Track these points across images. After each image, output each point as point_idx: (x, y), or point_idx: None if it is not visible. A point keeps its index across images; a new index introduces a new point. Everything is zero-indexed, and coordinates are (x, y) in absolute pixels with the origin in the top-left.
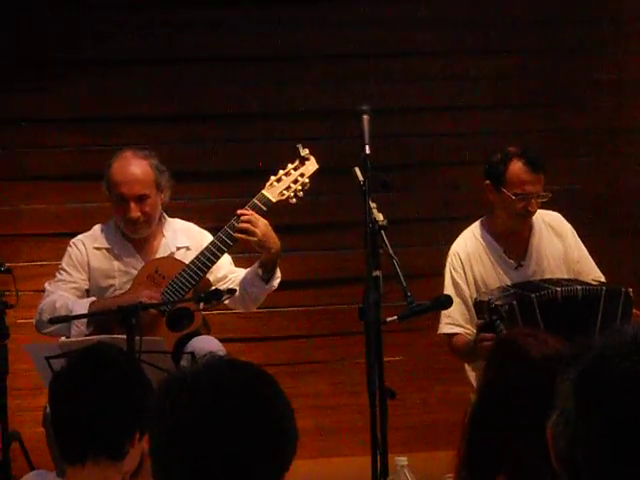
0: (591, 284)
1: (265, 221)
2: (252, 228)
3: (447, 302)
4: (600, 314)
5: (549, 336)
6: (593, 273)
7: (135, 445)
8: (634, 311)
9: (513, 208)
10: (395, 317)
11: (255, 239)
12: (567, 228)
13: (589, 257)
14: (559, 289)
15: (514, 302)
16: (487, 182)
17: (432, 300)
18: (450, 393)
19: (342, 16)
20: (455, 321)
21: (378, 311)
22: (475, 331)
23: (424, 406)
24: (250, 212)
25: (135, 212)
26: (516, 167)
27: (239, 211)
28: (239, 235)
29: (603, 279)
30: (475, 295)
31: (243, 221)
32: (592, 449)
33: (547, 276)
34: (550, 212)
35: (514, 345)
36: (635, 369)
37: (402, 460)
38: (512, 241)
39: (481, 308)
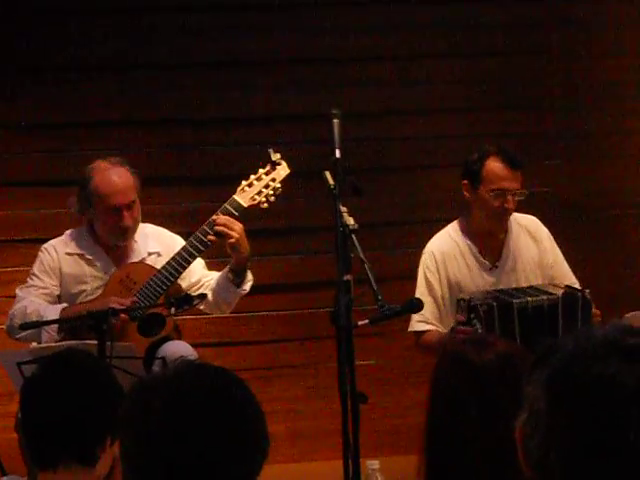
0: (552, 293)
1: (241, 225)
2: (228, 230)
3: (418, 305)
4: (561, 320)
5: (499, 340)
6: (568, 279)
7: (106, 450)
8: (593, 311)
9: (490, 206)
10: (366, 321)
11: (232, 240)
12: (543, 232)
13: (564, 263)
14: (530, 299)
15: (494, 304)
16: (464, 181)
17: (403, 303)
18: (422, 397)
19: (314, 22)
20: (426, 319)
21: (349, 315)
22: (446, 330)
23: (396, 410)
24: (225, 217)
25: (129, 220)
26: (493, 164)
27: (213, 217)
28: (214, 238)
29: (577, 285)
30: (448, 295)
31: (219, 224)
32: (566, 450)
33: (521, 278)
34: (527, 216)
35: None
36: (607, 372)
37: (374, 464)
38: (488, 242)
39: (462, 306)
